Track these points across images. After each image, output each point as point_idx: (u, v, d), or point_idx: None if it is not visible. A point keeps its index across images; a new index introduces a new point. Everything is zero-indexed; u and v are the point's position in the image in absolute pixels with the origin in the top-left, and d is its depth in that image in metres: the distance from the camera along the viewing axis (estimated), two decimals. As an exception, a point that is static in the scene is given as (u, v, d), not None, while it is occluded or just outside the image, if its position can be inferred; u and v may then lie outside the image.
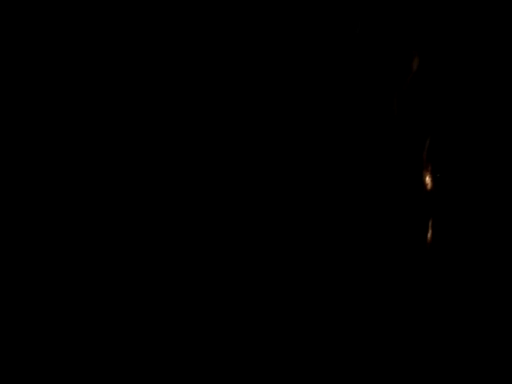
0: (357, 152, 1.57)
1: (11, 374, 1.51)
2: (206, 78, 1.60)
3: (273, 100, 1.60)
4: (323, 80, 1.59)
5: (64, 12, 1.59)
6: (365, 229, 1.55)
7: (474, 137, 1.53)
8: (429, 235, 1.51)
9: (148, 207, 1.58)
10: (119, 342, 1.54)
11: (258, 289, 1.56)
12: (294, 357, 1.53)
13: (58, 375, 1.52)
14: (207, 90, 1.60)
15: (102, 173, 1.59)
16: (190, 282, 1.56)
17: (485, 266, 1.51)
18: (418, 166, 1.52)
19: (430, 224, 1.52)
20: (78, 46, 1.60)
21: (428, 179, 1.50)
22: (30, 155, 1.58)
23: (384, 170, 1.55)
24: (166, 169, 1.59)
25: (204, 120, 1.60)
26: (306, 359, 1.53)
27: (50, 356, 1.53)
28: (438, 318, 1.52)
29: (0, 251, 1.55)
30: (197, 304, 1.56)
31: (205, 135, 1.60)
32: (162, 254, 1.57)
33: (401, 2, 1.56)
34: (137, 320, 1.55)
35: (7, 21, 1.58)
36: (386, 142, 1.56)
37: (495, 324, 1.50)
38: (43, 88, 1.60)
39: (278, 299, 1.55)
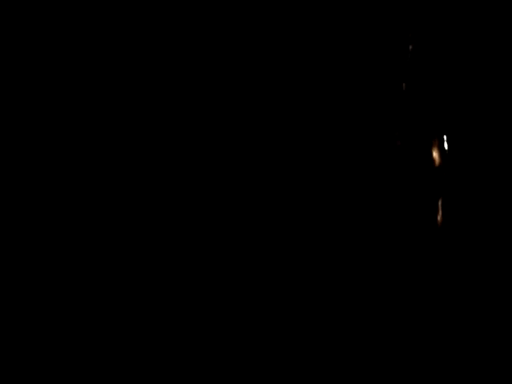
0: (364, 131, 1.57)
1: (11, 373, 1.50)
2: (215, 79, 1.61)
3: (271, 92, 1.60)
4: (324, 61, 1.60)
5: (64, 12, 1.60)
6: (373, 210, 1.54)
7: (482, 113, 1.53)
8: (439, 216, 1.50)
9: (148, 207, 1.58)
10: (119, 342, 1.53)
11: (260, 289, 1.55)
12: (295, 353, 1.51)
13: (58, 375, 1.51)
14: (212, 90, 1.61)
15: (101, 173, 1.59)
16: (190, 282, 1.56)
17: (496, 247, 1.50)
18: (426, 142, 1.52)
19: (440, 204, 1.50)
20: (78, 46, 1.60)
21: (436, 155, 1.49)
22: (29, 155, 1.58)
23: (391, 150, 1.55)
24: (165, 169, 1.59)
25: (207, 120, 1.60)
26: (311, 351, 1.51)
27: (49, 356, 1.52)
28: (447, 304, 1.50)
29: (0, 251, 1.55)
30: (196, 304, 1.55)
31: (207, 136, 1.60)
32: (162, 254, 1.57)
33: None
34: (136, 320, 1.54)
35: (7, 21, 1.60)
36: (392, 120, 1.56)
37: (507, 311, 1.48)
38: (43, 88, 1.60)
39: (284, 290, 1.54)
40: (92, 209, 1.57)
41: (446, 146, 1.49)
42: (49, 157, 1.58)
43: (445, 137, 1.51)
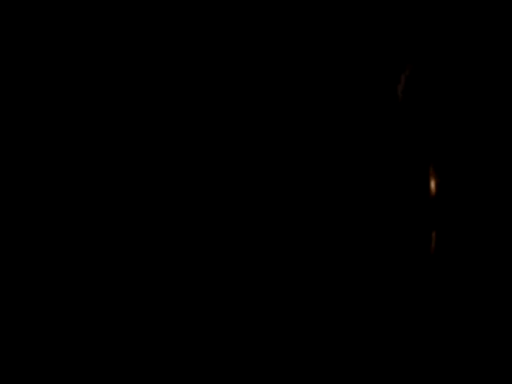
0: (361, 156, 1.56)
1: (11, 374, 1.51)
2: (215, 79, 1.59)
3: (272, 99, 1.59)
4: (324, 80, 1.58)
5: (64, 12, 1.58)
6: (369, 233, 1.55)
7: (476, 140, 1.53)
8: (432, 243, 1.51)
9: (148, 207, 1.58)
10: (119, 342, 1.55)
11: (259, 289, 1.57)
12: (293, 357, 1.53)
13: (58, 375, 1.52)
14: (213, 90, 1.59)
15: (101, 173, 1.59)
16: (190, 283, 1.56)
17: (488, 270, 1.52)
18: (423, 171, 1.52)
19: (434, 231, 1.51)
20: (78, 46, 1.59)
21: (432, 184, 1.49)
22: (29, 155, 1.58)
23: (388, 174, 1.55)
24: (165, 169, 1.58)
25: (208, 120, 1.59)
26: (306, 359, 1.53)
27: (49, 356, 1.53)
28: (441, 324, 1.52)
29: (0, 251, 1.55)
30: (196, 304, 1.56)
31: (207, 136, 1.59)
32: (162, 254, 1.57)
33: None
34: (136, 320, 1.55)
35: (7, 21, 1.57)
36: (389, 145, 1.55)
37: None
38: (43, 88, 1.59)
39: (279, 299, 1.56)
40: (92, 209, 1.58)
41: (441, 171, 1.48)
42: (49, 157, 1.58)
43: (440, 162, 1.51)
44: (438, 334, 1.51)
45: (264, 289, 1.56)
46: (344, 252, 1.55)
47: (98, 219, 1.57)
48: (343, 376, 1.52)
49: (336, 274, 1.55)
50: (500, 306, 1.50)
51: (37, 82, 1.58)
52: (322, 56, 1.57)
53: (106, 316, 1.55)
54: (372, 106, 1.55)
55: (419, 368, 1.50)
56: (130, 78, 1.59)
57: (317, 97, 1.57)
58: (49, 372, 1.52)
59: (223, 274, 1.56)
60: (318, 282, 1.55)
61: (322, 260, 1.55)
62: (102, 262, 1.57)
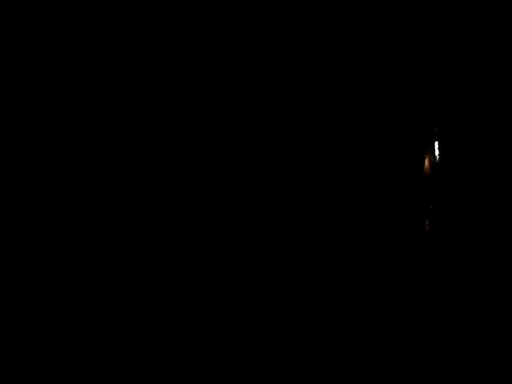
0: (359, 142, 1.58)
1: (11, 373, 1.49)
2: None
3: (278, 98, 1.61)
4: (327, 74, 1.60)
5: (64, 12, 1.60)
6: (366, 217, 1.56)
7: (469, 127, 1.55)
8: (427, 224, 1.52)
9: (148, 207, 1.58)
10: (119, 342, 1.54)
11: (258, 288, 1.57)
12: (294, 355, 1.53)
13: (58, 375, 1.50)
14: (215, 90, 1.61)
15: (101, 173, 1.59)
16: (190, 282, 1.56)
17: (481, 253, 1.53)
18: (419, 153, 1.53)
19: (428, 214, 1.52)
20: (79, 46, 1.60)
21: (427, 165, 1.51)
22: (30, 155, 1.58)
23: (384, 161, 1.56)
24: (165, 169, 1.59)
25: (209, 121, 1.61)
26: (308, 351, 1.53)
27: (49, 355, 1.52)
28: (437, 311, 1.53)
29: (0, 251, 1.55)
30: (196, 304, 1.55)
31: (208, 136, 1.60)
32: (162, 254, 1.57)
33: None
34: (136, 320, 1.55)
35: (7, 21, 1.59)
36: (385, 131, 1.57)
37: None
38: (44, 88, 1.60)
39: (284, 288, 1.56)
40: (92, 209, 1.58)
41: (436, 154, 1.50)
42: (49, 157, 1.59)
43: (436, 145, 1.53)
44: (435, 310, 1.52)
45: (263, 285, 1.56)
46: (340, 232, 1.55)
47: (98, 219, 1.57)
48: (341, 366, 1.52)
49: (332, 254, 1.55)
50: (493, 281, 1.51)
51: (37, 81, 1.60)
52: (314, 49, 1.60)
53: (106, 315, 1.55)
54: (368, 86, 1.57)
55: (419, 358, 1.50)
56: (130, 77, 1.60)
57: (309, 85, 1.59)
58: (49, 372, 1.50)
59: (223, 273, 1.56)
60: (314, 263, 1.55)
61: (317, 242, 1.56)
62: (102, 262, 1.56)
